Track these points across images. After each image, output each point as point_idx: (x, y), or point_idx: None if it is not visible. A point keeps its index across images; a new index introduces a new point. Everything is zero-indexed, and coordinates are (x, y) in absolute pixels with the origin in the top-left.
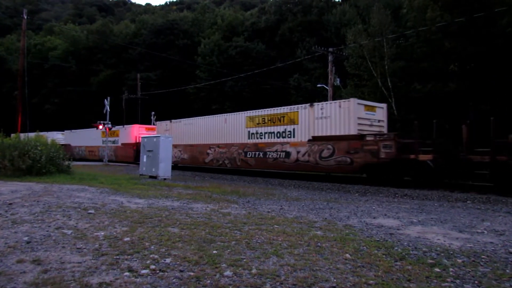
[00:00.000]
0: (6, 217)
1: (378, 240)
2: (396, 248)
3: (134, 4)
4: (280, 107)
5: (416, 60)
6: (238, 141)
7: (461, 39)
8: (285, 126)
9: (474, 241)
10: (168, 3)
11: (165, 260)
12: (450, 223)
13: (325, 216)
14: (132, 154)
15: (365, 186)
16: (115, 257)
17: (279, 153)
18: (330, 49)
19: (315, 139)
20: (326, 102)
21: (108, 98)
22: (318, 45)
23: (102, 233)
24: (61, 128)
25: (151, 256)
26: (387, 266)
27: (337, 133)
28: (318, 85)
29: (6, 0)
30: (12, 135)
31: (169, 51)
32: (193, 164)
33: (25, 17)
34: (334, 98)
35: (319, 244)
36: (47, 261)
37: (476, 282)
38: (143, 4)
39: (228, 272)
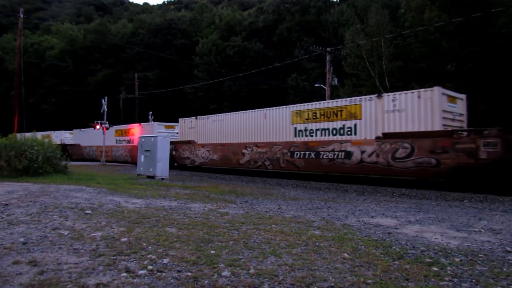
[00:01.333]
0: (2, 218)
1: (376, 240)
2: (394, 247)
3: (131, 4)
4: (336, 100)
5: (413, 60)
6: (282, 139)
7: (459, 39)
8: (344, 122)
9: (472, 240)
10: (166, 2)
11: (162, 261)
12: (447, 222)
13: (323, 215)
14: None
15: (363, 186)
16: (112, 257)
17: (336, 153)
18: (328, 49)
19: (386, 136)
20: (400, 92)
21: (106, 97)
22: (316, 44)
23: (99, 234)
24: (58, 128)
25: (148, 256)
26: (385, 266)
27: (416, 129)
28: (316, 85)
29: None
30: (18, 135)
31: (167, 50)
32: (224, 166)
33: (22, 16)
34: (331, 98)
35: (317, 243)
36: (44, 262)
37: (473, 280)
38: (141, 3)
39: (226, 272)
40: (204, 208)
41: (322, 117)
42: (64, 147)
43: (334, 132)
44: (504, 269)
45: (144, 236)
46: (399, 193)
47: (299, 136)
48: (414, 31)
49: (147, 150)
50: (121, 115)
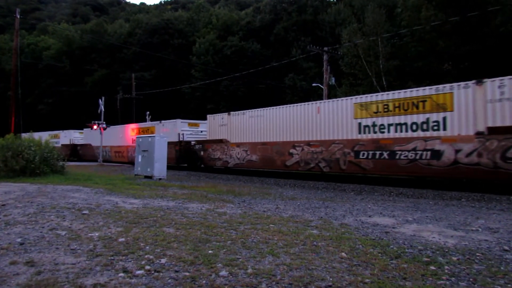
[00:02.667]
0: None
1: (373, 239)
2: (391, 246)
3: (128, 4)
4: (416, 88)
5: (410, 59)
6: (342, 136)
7: (455, 38)
8: (428, 115)
9: (469, 239)
10: (162, 2)
11: (160, 261)
12: (445, 221)
13: (321, 215)
14: (174, 154)
15: (361, 185)
16: (109, 258)
17: (419, 152)
18: (325, 49)
19: (492, 131)
20: (510, 76)
21: (103, 98)
22: (313, 44)
23: (97, 234)
24: (55, 128)
25: (146, 256)
26: (383, 265)
27: None
28: (313, 84)
29: None
30: (24, 135)
31: (163, 50)
32: (266, 168)
33: (18, 16)
34: (329, 97)
35: (315, 243)
36: (41, 263)
37: (471, 279)
38: (138, 3)
39: (223, 272)
40: (202, 208)
41: (397, 109)
42: (74, 147)
43: (414, 127)
44: (502, 268)
45: (142, 236)
46: (396, 192)
47: (365, 133)
48: (411, 30)
49: (144, 150)
50: (118, 115)
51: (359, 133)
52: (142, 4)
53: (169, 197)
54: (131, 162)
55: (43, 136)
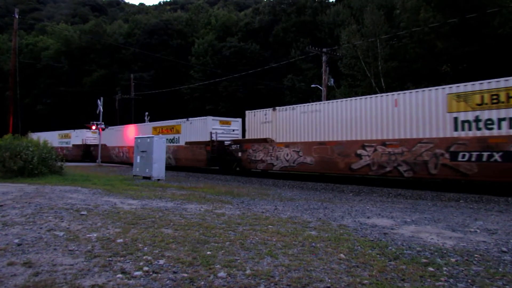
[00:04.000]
0: None
1: (372, 240)
2: (390, 247)
3: (127, 4)
4: None
5: (409, 61)
6: (432, 134)
7: (454, 39)
8: None
9: (467, 240)
10: (161, 3)
11: (158, 262)
12: (443, 223)
13: (320, 216)
14: (204, 156)
15: (359, 186)
16: (107, 259)
17: None
18: (324, 50)
19: None
20: None
21: (101, 98)
22: (312, 45)
23: (95, 235)
24: (53, 129)
25: (144, 257)
26: (381, 266)
27: None
28: (312, 86)
29: None
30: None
31: (162, 51)
32: (324, 171)
33: (17, 16)
34: (328, 99)
35: (313, 244)
36: (38, 264)
37: (469, 281)
38: (137, 4)
39: (222, 273)
40: (200, 209)
41: None
42: (86, 148)
43: None
44: (500, 269)
45: (140, 237)
46: (395, 193)
47: (463, 129)
48: (410, 32)
49: (143, 151)
50: (117, 116)
51: (456, 129)
52: (141, 4)
53: (167, 198)
54: None
55: (51, 136)
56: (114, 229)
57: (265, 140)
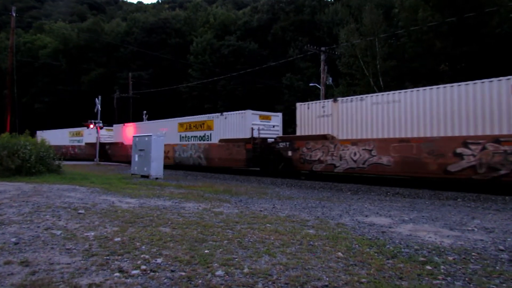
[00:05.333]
0: None
1: (370, 238)
2: (388, 246)
3: (125, 3)
4: None
5: (407, 60)
6: None
7: (452, 39)
8: None
9: (465, 238)
10: (160, 1)
11: (156, 260)
12: (441, 221)
13: (318, 214)
14: (244, 155)
15: (357, 185)
16: (105, 257)
17: None
18: (323, 48)
19: None
20: None
21: (99, 97)
22: (310, 44)
23: (92, 234)
24: (50, 127)
25: (142, 256)
26: (379, 264)
27: None
28: (311, 84)
29: None
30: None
31: (161, 50)
32: (408, 174)
33: (14, 14)
34: (326, 98)
35: (311, 242)
36: (36, 262)
37: (466, 279)
38: (135, 2)
39: (220, 272)
40: (198, 208)
41: None
42: (101, 146)
43: None
44: (497, 267)
45: (138, 236)
46: (393, 192)
47: None
48: (408, 31)
49: (141, 150)
50: (115, 115)
51: None
52: (139, 3)
53: (165, 196)
54: (180, 164)
55: (60, 134)
56: (112, 228)
57: (324, 137)
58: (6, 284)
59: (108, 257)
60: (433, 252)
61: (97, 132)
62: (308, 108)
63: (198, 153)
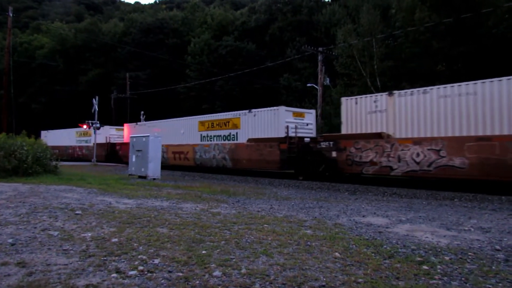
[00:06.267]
0: None
1: (367, 239)
2: (385, 246)
3: (123, 3)
4: None
5: (404, 60)
6: None
7: (449, 39)
8: None
9: (461, 238)
10: (157, 1)
11: (153, 261)
12: (438, 221)
13: (315, 215)
14: (277, 156)
15: (355, 185)
16: (102, 258)
17: None
18: (320, 49)
19: None
20: None
21: (97, 97)
22: (308, 44)
23: (90, 234)
24: (47, 128)
25: (139, 257)
26: (376, 264)
27: None
28: (308, 85)
29: None
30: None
31: (158, 50)
32: (489, 177)
33: (11, 14)
34: (323, 98)
35: (308, 243)
36: (32, 263)
37: (463, 279)
38: (132, 2)
39: (217, 272)
40: (196, 208)
41: None
42: (111, 147)
43: None
44: (493, 267)
45: (135, 237)
46: (390, 192)
47: None
48: (405, 31)
49: (138, 150)
50: (112, 115)
51: None
52: (137, 3)
53: (163, 197)
54: (202, 165)
55: (67, 134)
56: (109, 229)
57: (378, 136)
58: (3, 286)
59: (105, 258)
60: (430, 252)
61: (94, 132)
62: (356, 103)
63: (222, 154)
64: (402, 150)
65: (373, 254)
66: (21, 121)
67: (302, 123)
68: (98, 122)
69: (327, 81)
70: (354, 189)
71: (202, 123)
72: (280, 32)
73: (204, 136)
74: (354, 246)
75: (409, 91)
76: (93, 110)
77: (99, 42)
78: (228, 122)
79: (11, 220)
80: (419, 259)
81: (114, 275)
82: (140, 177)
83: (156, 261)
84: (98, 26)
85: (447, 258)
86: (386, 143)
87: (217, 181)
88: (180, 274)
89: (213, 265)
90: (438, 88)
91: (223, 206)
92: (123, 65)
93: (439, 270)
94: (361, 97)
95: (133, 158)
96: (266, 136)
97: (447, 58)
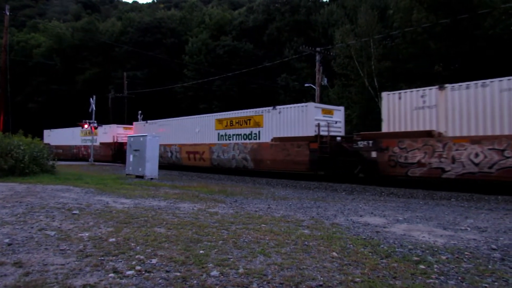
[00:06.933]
0: None
1: (364, 238)
2: (382, 246)
3: (120, 2)
4: None
5: (402, 61)
6: None
7: (446, 40)
8: None
9: (458, 238)
10: (155, 1)
11: (151, 261)
12: (434, 221)
13: (313, 214)
14: (306, 157)
15: (352, 185)
16: (99, 258)
17: None
18: (318, 49)
19: None
20: None
21: (94, 97)
22: (305, 44)
23: (87, 234)
24: (45, 127)
25: (136, 256)
26: (373, 264)
27: None
28: (306, 85)
29: None
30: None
31: (156, 49)
32: None
33: (8, 13)
34: (321, 98)
35: (306, 242)
36: (29, 264)
37: (459, 278)
38: (130, 1)
39: (215, 272)
40: (193, 208)
41: None
42: (119, 147)
43: None
44: (489, 266)
45: (133, 236)
46: (387, 192)
47: None
48: (403, 32)
49: (136, 150)
50: (109, 114)
51: None
52: (135, 2)
53: (160, 197)
54: (219, 166)
55: (71, 132)
56: (107, 228)
57: (428, 134)
58: None
59: (102, 258)
60: (427, 251)
61: (92, 131)
62: (400, 98)
63: (243, 154)
64: (457, 150)
65: (370, 254)
66: (18, 121)
67: (331, 120)
68: (95, 121)
69: (325, 81)
70: (351, 189)
71: (219, 121)
72: (278, 32)
73: (222, 135)
74: (351, 245)
75: (463, 84)
76: (90, 110)
77: (96, 41)
78: (249, 120)
79: (7, 220)
80: (416, 258)
81: (112, 275)
82: (137, 176)
83: (154, 261)
84: (96, 25)
85: (444, 257)
86: (438, 142)
87: (215, 181)
88: (178, 274)
89: (210, 264)
90: (500, 80)
91: (221, 206)
92: (121, 64)
93: (436, 270)
94: (405, 92)
95: (130, 158)
96: (292, 135)
97: (444, 58)
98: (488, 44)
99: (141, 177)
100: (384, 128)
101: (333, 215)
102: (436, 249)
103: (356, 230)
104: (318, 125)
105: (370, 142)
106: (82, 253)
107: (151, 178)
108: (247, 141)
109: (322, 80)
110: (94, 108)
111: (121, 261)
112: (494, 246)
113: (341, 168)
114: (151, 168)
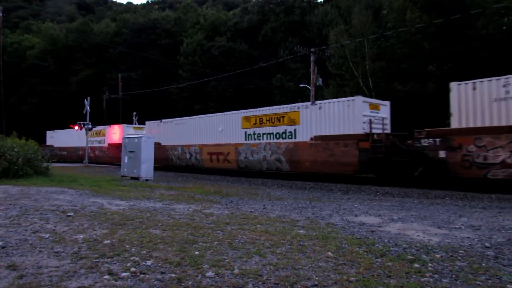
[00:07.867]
0: None
1: (359, 238)
2: (377, 245)
3: (115, 3)
4: None
5: (396, 61)
6: None
7: (439, 40)
8: None
9: (452, 236)
10: (149, 2)
11: (146, 262)
12: (429, 220)
13: (308, 215)
14: (355, 157)
15: (347, 185)
16: (94, 260)
17: None
18: (312, 49)
19: None
20: None
21: (88, 98)
22: (300, 45)
23: (81, 236)
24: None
25: (131, 258)
26: (368, 263)
27: None
28: (301, 85)
29: None
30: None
31: (151, 50)
32: None
33: (1, 14)
34: (316, 98)
35: (301, 243)
36: (23, 266)
37: (453, 276)
38: (124, 2)
39: (210, 273)
40: (188, 209)
41: None
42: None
43: None
44: (483, 264)
45: (128, 238)
46: (382, 191)
47: None
48: (397, 32)
49: (131, 151)
50: (104, 116)
51: None
52: (129, 3)
53: (155, 198)
54: (247, 168)
55: (76, 134)
56: (101, 230)
57: None
58: None
59: (97, 260)
60: (421, 250)
61: (86, 134)
62: (474, 88)
63: (276, 155)
64: None
65: (365, 253)
66: (11, 122)
67: (378, 117)
68: (90, 123)
69: (320, 81)
70: (346, 189)
71: (247, 118)
72: (273, 32)
73: (250, 134)
74: (346, 245)
75: None
76: (84, 111)
77: (90, 43)
78: (283, 117)
79: (1, 222)
80: (410, 257)
81: (107, 276)
82: (132, 178)
83: (149, 262)
84: (90, 26)
85: (438, 256)
86: None
87: (210, 182)
88: (173, 275)
89: (206, 265)
90: None
91: (216, 207)
92: (115, 65)
93: (430, 268)
94: (481, 81)
95: (125, 159)
96: (335, 133)
97: (438, 58)
98: (481, 44)
99: (136, 178)
100: (454, 124)
101: (329, 215)
102: (430, 248)
103: (351, 229)
104: (370, 122)
105: (438, 140)
106: (76, 255)
107: (147, 180)
108: (281, 140)
109: (317, 80)
110: (89, 110)
111: (116, 263)
112: (487, 244)
113: (396, 170)
114: (146, 169)
